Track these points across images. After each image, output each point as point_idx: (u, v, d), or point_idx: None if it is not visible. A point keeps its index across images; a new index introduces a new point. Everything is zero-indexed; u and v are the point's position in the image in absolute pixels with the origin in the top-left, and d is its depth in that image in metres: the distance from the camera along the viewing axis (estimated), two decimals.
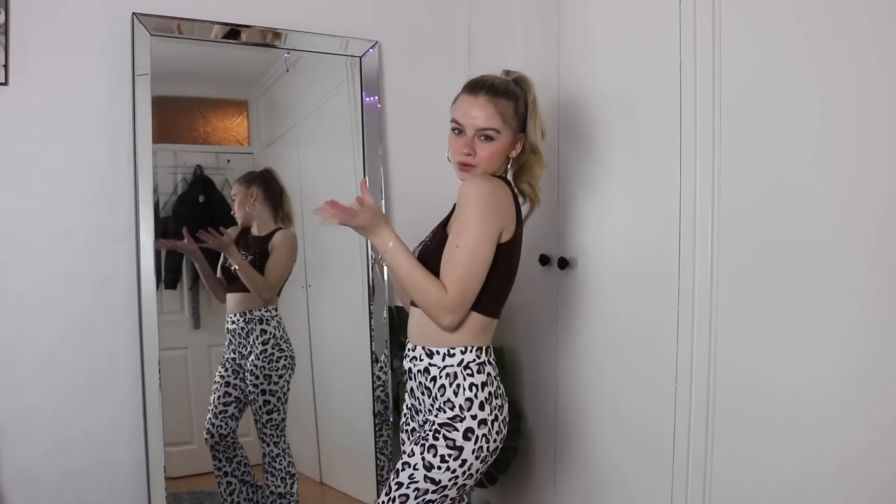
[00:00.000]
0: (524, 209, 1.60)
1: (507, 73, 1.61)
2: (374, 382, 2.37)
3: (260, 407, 2.23)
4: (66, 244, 2.02)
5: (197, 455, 2.18)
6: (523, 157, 1.60)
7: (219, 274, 2.24)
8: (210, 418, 2.22)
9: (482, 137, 1.52)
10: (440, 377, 1.49)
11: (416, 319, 1.57)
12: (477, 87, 1.55)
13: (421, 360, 1.53)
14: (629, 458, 1.87)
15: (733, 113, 1.59)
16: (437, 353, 1.51)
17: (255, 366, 2.22)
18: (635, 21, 1.84)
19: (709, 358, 1.63)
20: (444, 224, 1.59)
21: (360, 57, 2.38)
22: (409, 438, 1.63)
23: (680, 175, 1.69)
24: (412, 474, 1.45)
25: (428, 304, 1.46)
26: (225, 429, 2.22)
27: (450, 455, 1.44)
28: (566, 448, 2.09)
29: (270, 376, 2.24)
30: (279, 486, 2.24)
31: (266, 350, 2.24)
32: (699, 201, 1.65)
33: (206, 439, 2.20)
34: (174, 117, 2.20)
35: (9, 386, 1.96)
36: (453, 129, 1.56)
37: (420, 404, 1.56)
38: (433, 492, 1.46)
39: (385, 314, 2.39)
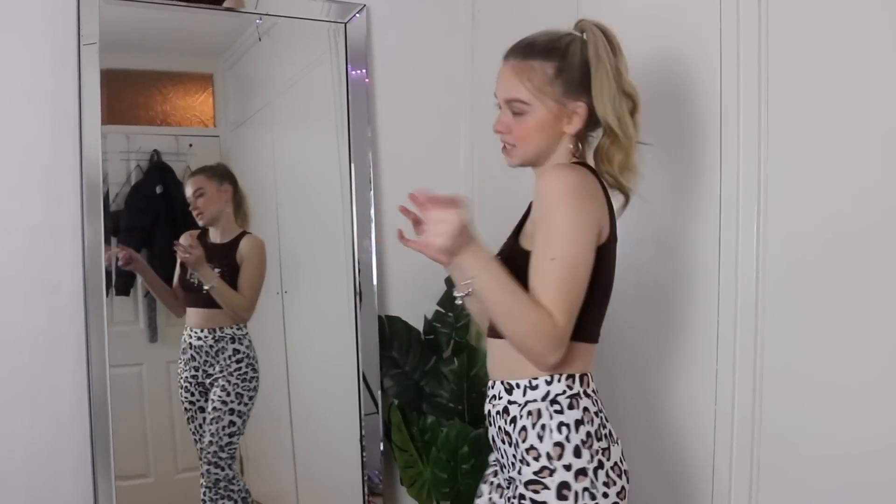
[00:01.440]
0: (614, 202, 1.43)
1: (579, 22, 1.43)
2: (361, 404, 2.32)
3: (224, 427, 2.22)
4: None
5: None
6: (601, 137, 1.43)
7: (175, 283, 2.20)
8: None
9: (514, 112, 1.41)
10: (521, 417, 1.32)
11: (495, 352, 1.42)
12: (511, 48, 1.43)
13: (500, 398, 1.36)
14: (662, 495, 1.82)
15: (783, 94, 1.51)
16: (517, 386, 1.34)
17: (229, 382, 2.23)
18: None
19: (754, 378, 1.58)
20: (517, 233, 1.40)
21: (345, 23, 2.33)
22: (488, 491, 1.50)
23: (720, 165, 1.63)
24: None
25: (537, 338, 1.25)
26: None
27: None
28: None
29: (242, 396, 2.25)
30: None
31: (241, 369, 2.26)
32: (743, 196, 1.59)
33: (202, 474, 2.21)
34: (127, 94, 2.16)
35: None
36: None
37: (504, 456, 1.38)
38: None
39: (375, 324, 2.32)
